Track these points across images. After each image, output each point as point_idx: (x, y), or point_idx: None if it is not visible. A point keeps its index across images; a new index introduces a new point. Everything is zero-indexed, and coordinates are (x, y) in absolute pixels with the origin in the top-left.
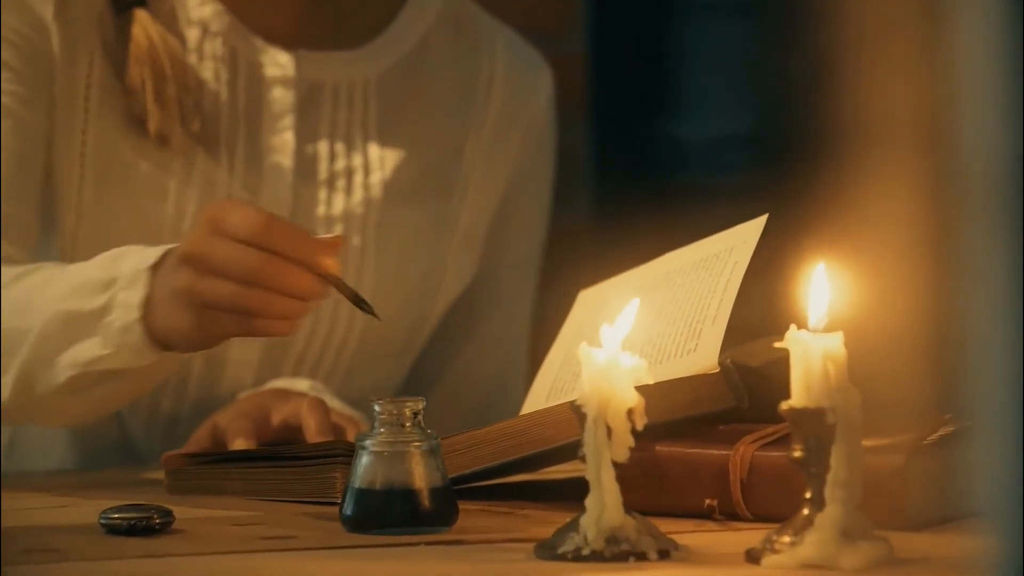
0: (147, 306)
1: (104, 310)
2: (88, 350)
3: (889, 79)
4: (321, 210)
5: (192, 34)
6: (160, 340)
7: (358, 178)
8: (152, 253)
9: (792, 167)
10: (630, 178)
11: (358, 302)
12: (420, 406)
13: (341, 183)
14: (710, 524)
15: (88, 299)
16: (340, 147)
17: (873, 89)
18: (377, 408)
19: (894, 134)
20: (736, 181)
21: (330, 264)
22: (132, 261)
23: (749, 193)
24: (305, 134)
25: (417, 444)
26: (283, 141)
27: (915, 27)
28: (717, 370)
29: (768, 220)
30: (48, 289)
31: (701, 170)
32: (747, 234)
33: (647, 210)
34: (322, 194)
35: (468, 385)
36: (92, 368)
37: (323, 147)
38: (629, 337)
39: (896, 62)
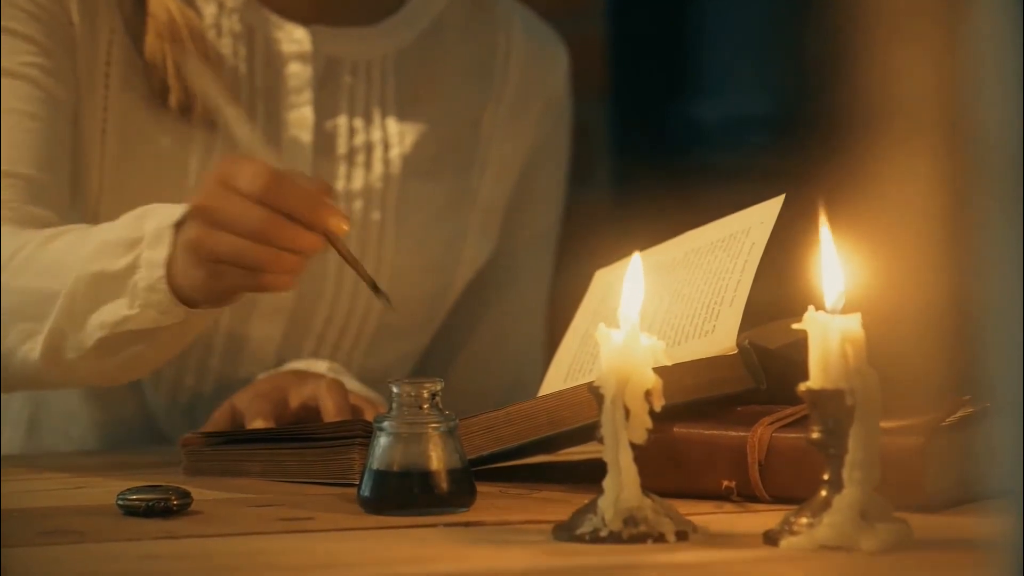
0: (171, 264)
1: (130, 269)
2: (115, 311)
3: (908, 60)
4: (341, 185)
5: (209, 10)
6: (183, 297)
7: (377, 153)
8: (176, 211)
9: (810, 147)
10: (648, 158)
11: (356, 266)
12: (438, 387)
13: (360, 158)
14: (728, 506)
15: (114, 259)
16: (359, 122)
17: (892, 70)
18: (395, 389)
19: (912, 115)
20: (754, 161)
21: (333, 223)
22: (156, 219)
23: (767, 173)
24: (324, 109)
25: (435, 425)
26: (302, 116)
27: (934, 8)
28: (735, 351)
29: (786, 200)
30: (77, 250)
31: (719, 150)
32: (765, 214)
33: (665, 190)
34: (341, 169)
35: (488, 358)
36: (120, 328)
37: (342, 122)
38: (643, 305)
39: (915, 43)
